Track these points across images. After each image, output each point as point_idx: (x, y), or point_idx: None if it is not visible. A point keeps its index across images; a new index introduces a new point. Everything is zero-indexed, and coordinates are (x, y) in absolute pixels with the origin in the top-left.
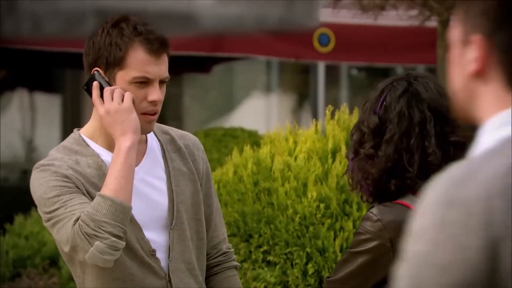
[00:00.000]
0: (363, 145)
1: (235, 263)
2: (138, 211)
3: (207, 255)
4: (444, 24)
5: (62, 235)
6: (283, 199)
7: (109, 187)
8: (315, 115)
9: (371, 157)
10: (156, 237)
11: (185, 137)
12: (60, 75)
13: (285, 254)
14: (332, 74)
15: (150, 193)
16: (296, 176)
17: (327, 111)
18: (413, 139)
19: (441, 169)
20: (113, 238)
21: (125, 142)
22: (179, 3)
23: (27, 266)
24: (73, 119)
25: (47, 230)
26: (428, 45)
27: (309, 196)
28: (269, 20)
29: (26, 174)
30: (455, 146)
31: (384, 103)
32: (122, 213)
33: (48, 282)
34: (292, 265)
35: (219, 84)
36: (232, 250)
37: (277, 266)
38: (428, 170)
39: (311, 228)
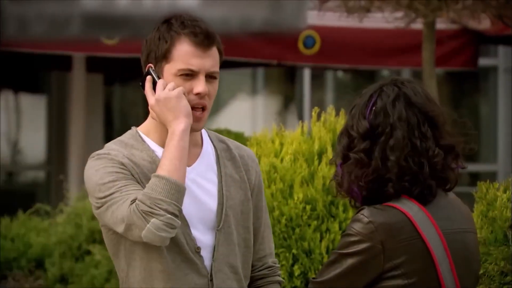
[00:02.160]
0: (353, 150)
1: (279, 278)
2: (187, 210)
3: (252, 266)
4: (430, 26)
5: (117, 215)
6: (269, 200)
7: (163, 168)
8: (301, 117)
9: (361, 161)
10: (202, 237)
11: (241, 148)
12: (46, 77)
13: None
14: (317, 76)
15: (200, 195)
16: (282, 177)
17: (313, 113)
18: (419, 142)
19: (444, 170)
20: (169, 215)
21: (178, 125)
22: (163, 5)
23: (13, 268)
24: (58, 121)
25: (33, 232)
26: (414, 47)
27: (295, 198)
28: (254, 22)
29: (11, 176)
30: (446, 149)
31: (374, 108)
32: (177, 191)
33: (34, 284)
34: None
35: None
36: (278, 265)
37: None
38: (435, 172)
39: (297, 230)
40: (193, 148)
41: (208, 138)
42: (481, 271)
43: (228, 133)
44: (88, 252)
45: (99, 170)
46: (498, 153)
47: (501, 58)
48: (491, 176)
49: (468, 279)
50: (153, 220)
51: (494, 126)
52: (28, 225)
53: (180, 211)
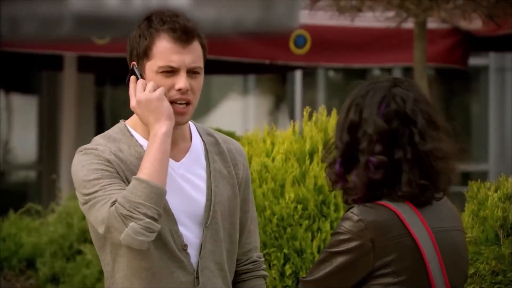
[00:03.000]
0: (371, 152)
1: (264, 272)
2: (175, 206)
3: (237, 261)
4: (421, 25)
5: (98, 216)
6: (260, 200)
7: (144, 171)
8: (292, 117)
9: (383, 164)
10: (190, 233)
11: (229, 141)
12: (37, 77)
13: (263, 255)
14: (309, 75)
15: (188, 190)
16: (274, 177)
17: (304, 113)
18: (429, 143)
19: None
20: (148, 220)
21: (160, 128)
22: (153, 5)
23: (4, 268)
24: (49, 120)
25: (24, 231)
26: (405, 46)
27: (287, 197)
28: (246, 22)
29: (2, 175)
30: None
31: (387, 109)
32: (157, 195)
33: (25, 284)
34: (269, 266)
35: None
36: (263, 259)
37: None
38: (432, 176)
39: (288, 229)
40: (182, 143)
41: (196, 131)
42: (472, 271)
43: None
44: (79, 252)
45: (85, 166)
46: (489, 152)
47: (492, 58)
48: (482, 176)
49: (457, 277)
50: (131, 224)
51: (485, 126)
52: (19, 225)
53: (160, 214)
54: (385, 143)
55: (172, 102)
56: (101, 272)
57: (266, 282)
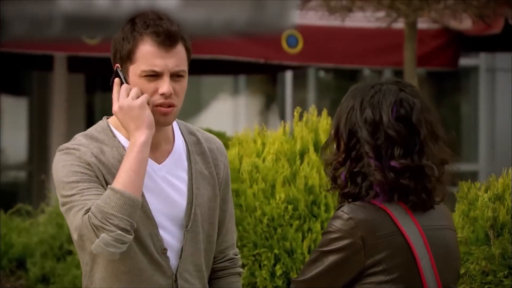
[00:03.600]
0: (392, 155)
1: (240, 269)
2: (156, 209)
3: (213, 258)
4: (411, 26)
5: (72, 222)
6: (251, 200)
7: (119, 181)
8: (282, 117)
9: (408, 168)
10: (170, 237)
11: (210, 140)
12: (27, 77)
13: (253, 255)
14: (299, 76)
15: (170, 193)
16: (264, 177)
17: (295, 113)
18: (424, 159)
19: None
20: (119, 231)
21: (140, 137)
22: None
23: None
24: (39, 121)
25: (14, 232)
26: (395, 47)
27: (277, 198)
28: (238, 23)
29: None
30: (441, 162)
31: (397, 114)
32: (131, 206)
33: (15, 284)
34: (260, 266)
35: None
36: (239, 256)
37: (245, 268)
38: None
39: (279, 230)
40: (165, 145)
41: (179, 131)
42: (463, 271)
43: (209, 132)
44: (70, 252)
45: (66, 166)
46: (479, 153)
47: (482, 58)
48: (473, 176)
49: (448, 275)
50: (103, 235)
51: (475, 126)
52: (9, 225)
53: (133, 225)
54: (403, 148)
55: (156, 105)
56: None
57: (241, 280)
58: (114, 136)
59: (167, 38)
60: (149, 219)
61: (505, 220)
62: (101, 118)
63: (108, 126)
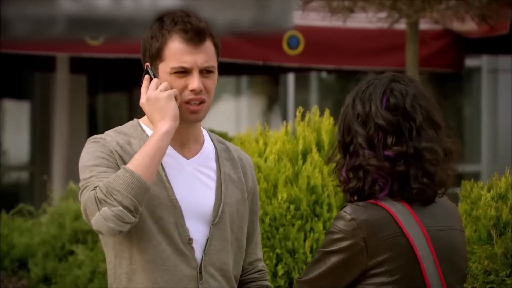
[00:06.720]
0: (385, 144)
1: (268, 283)
2: (184, 200)
3: (242, 269)
4: (413, 26)
5: (82, 200)
6: None
7: (133, 162)
8: (285, 117)
9: (402, 154)
10: (196, 229)
11: (239, 151)
12: (29, 78)
13: None
14: (301, 77)
15: (198, 187)
16: (267, 177)
17: (297, 113)
18: (423, 142)
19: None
20: (121, 208)
21: (162, 126)
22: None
23: None
24: (42, 121)
25: (16, 232)
26: (397, 47)
27: (279, 198)
28: (241, 23)
29: None
30: (444, 152)
31: (387, 103)
32: (138, 187)
33: (17, 285)
34: None
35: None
36: (267, 270)
37: None
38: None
39: (281, 229)
40: (193, 145)
41: (209, 137)
42: None
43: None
44: (72, 252)
45: (89, 153)
46: (481, 153)
47: (484, 59)
48: (475, 177)
49: (454, 276)
50: (104, 208)
51: (477, 127)
52: (11, 226)
53: (137, 207)
54: (396, 136)
55: (186, 102)
56: (93, 272)
57: None
58: (143, 130)
59: (196, 34)
60: (175, 208)
61: (508, 220)
62: (103, 119)
63: (138, 123)
